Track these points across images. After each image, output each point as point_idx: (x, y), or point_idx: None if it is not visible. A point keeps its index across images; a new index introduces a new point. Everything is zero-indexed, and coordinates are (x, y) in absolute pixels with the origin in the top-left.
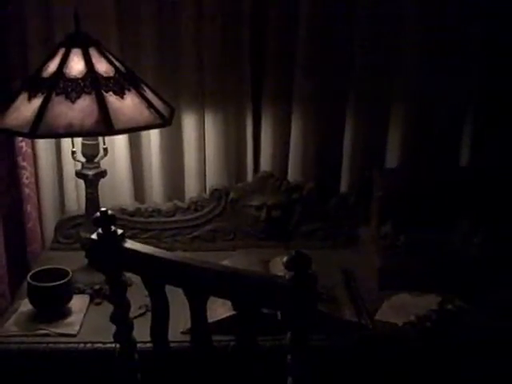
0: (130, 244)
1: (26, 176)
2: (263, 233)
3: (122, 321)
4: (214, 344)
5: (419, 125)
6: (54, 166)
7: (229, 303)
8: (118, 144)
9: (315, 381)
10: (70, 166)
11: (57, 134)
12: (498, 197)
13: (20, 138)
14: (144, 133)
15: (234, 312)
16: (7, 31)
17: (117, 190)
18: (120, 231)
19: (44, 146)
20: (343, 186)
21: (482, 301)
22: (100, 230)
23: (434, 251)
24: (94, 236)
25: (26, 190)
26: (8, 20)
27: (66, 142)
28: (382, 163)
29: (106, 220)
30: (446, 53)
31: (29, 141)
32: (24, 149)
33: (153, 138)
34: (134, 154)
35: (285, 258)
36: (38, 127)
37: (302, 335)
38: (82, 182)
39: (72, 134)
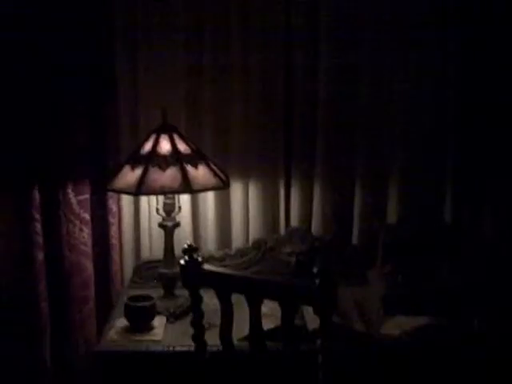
0: (206, 266)
1: (114, 230)
2: (293, 274)
3: (198, 325)
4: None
5: (411, 191)
6: (133, 223)
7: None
8: (184, 204)
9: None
10: (145, 223)
11: (154, 193)
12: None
13: (111, 201)
14: (202, 196)
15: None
16: (105, 123)
17: (180, 239)
18: (200, 258)
19: (127, 207)
20: (354, 237)
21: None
22: (186, 257)
23: (423, 285)
24: (182, 261)
25: (113, 241)
26: (106, 114)
27: (142, 205)
28: (383, 220)
29: (191, 250)
30: (426, 140)
31: (116, 203)
32: (114, 209)
33: (209, 200)
34: (195, 212)
35: (315, 269)
36: (141, 188)
37: (329, 321)
38: (154, 234)
39: (164, 193)
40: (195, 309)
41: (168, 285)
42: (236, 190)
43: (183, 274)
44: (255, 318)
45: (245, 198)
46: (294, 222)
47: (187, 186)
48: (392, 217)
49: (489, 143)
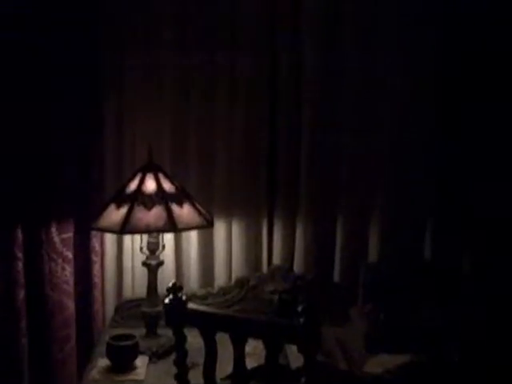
0: (191, 305)
1: (96, 268)
2: (275, 312)
3: (181, 364)
4: None
5: (391, 231)
6: (115, 261)
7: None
8: (167, 242)
9: None
10: (128, 261)
11: (139, 231)
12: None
13: (94, 240)
14: (185, 234)
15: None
16: (90, 162)
17: (164, 277)
18: (184, 297)
19: (110, 246)
20: (336, 276)
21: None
22: (171, 296)
23: (405, 323)
24: (166, 300)
25: (95, 279)
26: (91, 153)
27: (126, 244)
28: (365, 258)
29: (176, 289)
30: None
31: (100, 241)
32: (97, 248)
33: (192, 238)
34: (178, 250)
35: (299, 308)
36: (126, 227)
37: (313, 360)
38: (137, 273)
39: (149, 231)
40: (179, 348)
41: (151, 324)
42: (219, 228)
43: (168, 313)
44: (239, 356)
45: (228, 236)
46: (277, 260)
47: (172, 225)
48: (373, 255)
49: (467, 181)
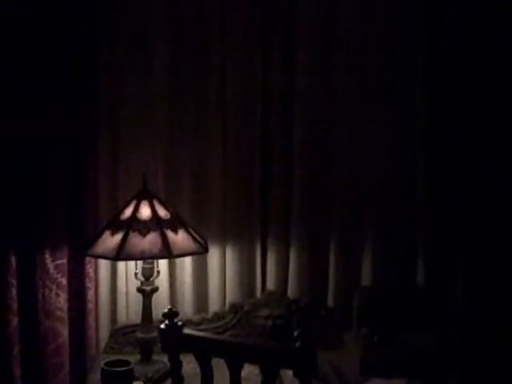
0: (187, 330)
1: (90, 294)
2: (270, 337)
3: None
4: None
5: (384, 257)
6: (110, 287)
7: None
8: (161, 267)
9: None
10: (122, 287)
11: (134, 258)
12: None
13: (89, 265)
14: (179, 259)
15: None
16: (84, 188)
17: (158, 302)
18: (180, 322)
19: (105, 271)
20: (330, 300)
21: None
22: (167, 322)
23: (400, 347)
24: (162, 326)
25: (89, 305)
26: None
27: (120, 270)
28: (358, 283)
29: (172, 315)
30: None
31: (94, 267)
32: (91, 274)
33: (186, 264)
34: (172, 276)
35: (295, 333)
36: (120, 253)
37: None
38: (131, 299)
39: (144, 258)
40: (174, 374)
41: (146, 350)
42: (213, 254)
43: (163, 339)
44: (235, 382)
45: (222, 262)
46: (271, 285)
47: (167, 251)
48: (367, 279)
49: (459, 206)
